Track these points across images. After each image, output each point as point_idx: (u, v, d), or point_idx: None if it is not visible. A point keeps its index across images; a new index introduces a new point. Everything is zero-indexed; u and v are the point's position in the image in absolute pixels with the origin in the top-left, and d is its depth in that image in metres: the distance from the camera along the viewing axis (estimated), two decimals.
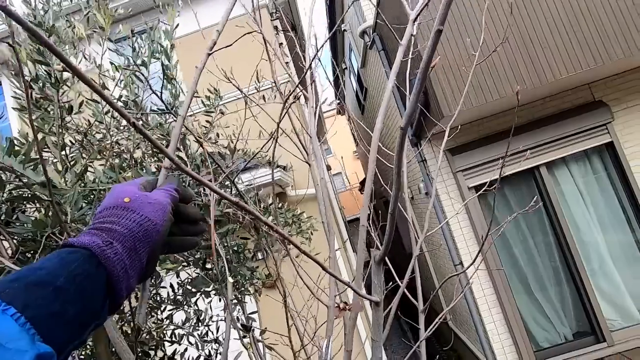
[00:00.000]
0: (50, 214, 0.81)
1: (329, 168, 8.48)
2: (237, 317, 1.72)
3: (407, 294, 1.54)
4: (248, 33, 0.96)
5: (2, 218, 0.96)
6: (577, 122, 3.75)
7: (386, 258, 0.90)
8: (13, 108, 1.41)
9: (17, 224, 1.01)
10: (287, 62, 4.47)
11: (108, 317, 0.41)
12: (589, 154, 3.88)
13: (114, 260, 0.37)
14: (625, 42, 3.15)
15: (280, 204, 1.88)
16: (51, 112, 1.36)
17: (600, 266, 3.79)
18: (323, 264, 0.68)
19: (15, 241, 0.97)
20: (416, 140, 4.22)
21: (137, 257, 0.39)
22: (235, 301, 1.47)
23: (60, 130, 1.31)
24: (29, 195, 0.98)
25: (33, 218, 0.88)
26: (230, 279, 0.95)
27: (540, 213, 3.88)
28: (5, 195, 1.01)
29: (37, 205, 0.93)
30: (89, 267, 0.35)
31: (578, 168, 3.90)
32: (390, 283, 1.52)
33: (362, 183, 12.47)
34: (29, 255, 0.92)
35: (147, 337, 1.36)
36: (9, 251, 0.99)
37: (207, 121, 1.45)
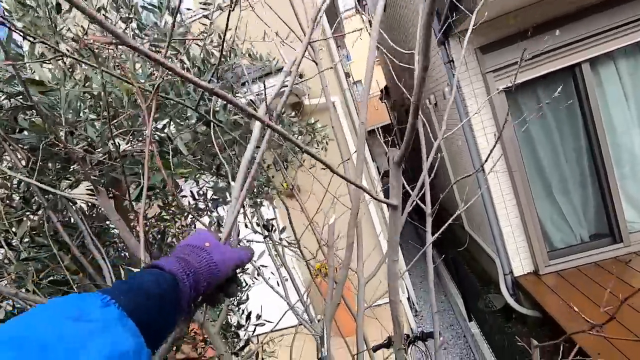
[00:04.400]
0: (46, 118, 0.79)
1: (348, 75, 8.04)
2: (257, 222, 1.80)
3: (418, 201, 1.53)
4: None
5: (6, 128, 0.95)
6: (634, 7, 3.22)
7: (405, 166, 0.85)
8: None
9: (24, 132, 1.01)
10: None
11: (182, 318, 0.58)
12: None
13: (187, 285, 0.54)
14: None
15: (293, 113, 1.80)
16: (40, 15, 1.26)
17: (631, 170, 3.64)
18: (335, 169, 0.65)
19: (24, 151, 0.97)
20: (443, 39, 3.82)
21: (198, 286, 0.56)
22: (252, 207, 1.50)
23: (52, 33, 1.22)
24: (28, 105, 0.94)
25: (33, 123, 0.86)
26: (233, 182, 0.95)
27: (574, 115, 3.62)
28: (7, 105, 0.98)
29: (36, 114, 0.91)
30: (172, 286, 0.53)
31: (627, 64, 3.48)
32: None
33: (383, 91, 11.86)
34: (41, 164, 0.92)
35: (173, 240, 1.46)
36: (23, 162, 1.00)
37: (206, 16, 1.30)
